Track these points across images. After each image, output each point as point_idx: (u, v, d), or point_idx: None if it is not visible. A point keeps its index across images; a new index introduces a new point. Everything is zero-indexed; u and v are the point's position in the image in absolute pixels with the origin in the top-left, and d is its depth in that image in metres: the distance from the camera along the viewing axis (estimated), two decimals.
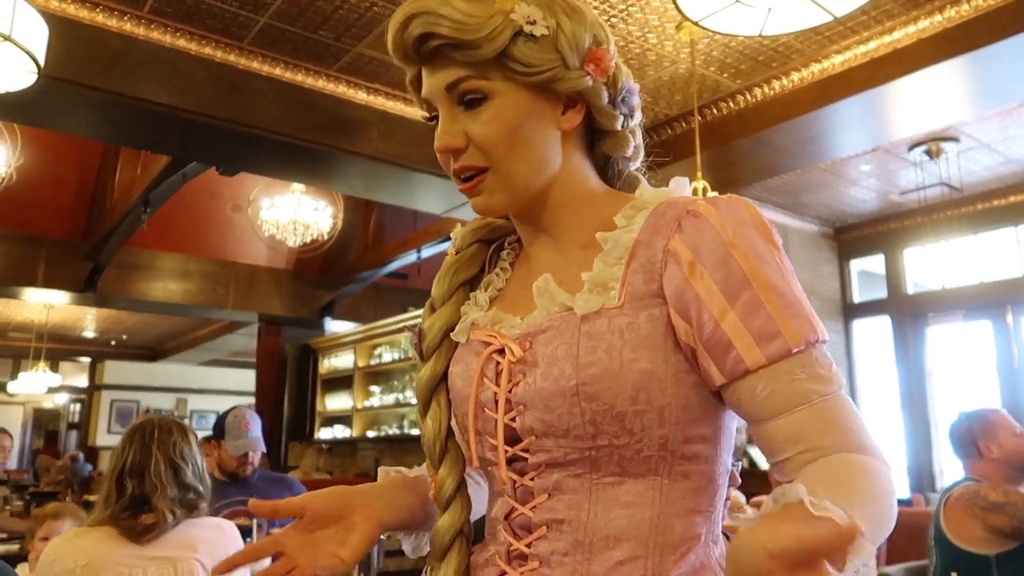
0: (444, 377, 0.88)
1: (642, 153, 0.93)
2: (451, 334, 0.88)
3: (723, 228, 0.74)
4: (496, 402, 0.80)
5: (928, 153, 5.59)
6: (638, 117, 0.90)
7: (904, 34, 3.92)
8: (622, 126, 0.87)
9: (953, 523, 2.46)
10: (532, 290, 0.83)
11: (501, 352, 0.81)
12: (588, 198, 0.86)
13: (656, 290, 0.76)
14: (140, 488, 1.78)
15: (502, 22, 0.77)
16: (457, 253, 0.93)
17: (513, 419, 0.79)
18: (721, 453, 0.79)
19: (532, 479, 0.79)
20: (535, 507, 0.79)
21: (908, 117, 4.50)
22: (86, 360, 14.49)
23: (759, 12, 2.83)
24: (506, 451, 0.80)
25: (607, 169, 0.91)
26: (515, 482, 0.80)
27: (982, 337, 6.48)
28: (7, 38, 2.67)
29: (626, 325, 0.75)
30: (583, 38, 0.81)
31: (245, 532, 2.32)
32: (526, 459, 0.79)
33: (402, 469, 0.97)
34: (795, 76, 4.39)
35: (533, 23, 0.78)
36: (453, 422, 0.88)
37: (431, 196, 5.36)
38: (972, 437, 2.54)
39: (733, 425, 0.81)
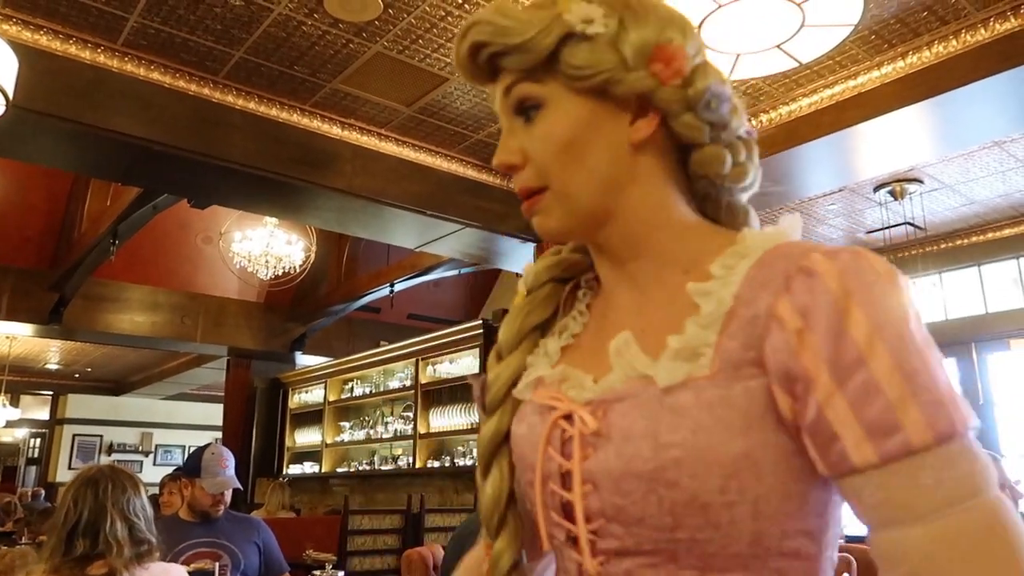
0: (507, 436, 0.78)
1: (752, 176, 0.81)
2: (514, 390, 0.79)
3: (841, 291, 0.60)
4: (562, 476, 0.70)
5: (892, 194, 5.73)
6: (738, 128, 0.77)
7: (868, 79, 4.04)
8: (711, 139, 0.75)
9: None
10: (608, 345, 0.74)
11: (568, 418, 0.71)
12: (672, 227, 0.75)
13: (755, 358, 0.63)
14: (93, 548, 1.76)
15: (551, 23, 0.72)
16: (529, 293, 0.83)
17: (583, 497, 0.69)
18: (826, 548, 0.66)
19: (601, 563, 0.68)
20: None
21: (873, 159, 4.62)
22: (48, 393, 14.17)
23: (728, 58, 2.90)
24: (569, 531, 0.70)
25: (710, 198, 0.80)
26: (580, 565, 0.70)
27: None
28: None
29: (717, 399, 0.63)
30: (649, 34, 0.72)
31: None
32: (593, 542, 0.69)
33: None
34: (764, 118, 4.49)
35: (589, 22, 0.72)
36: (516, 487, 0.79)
37: (404, 231, 5.37)
38: None
39: (841, 513, 0.68)
